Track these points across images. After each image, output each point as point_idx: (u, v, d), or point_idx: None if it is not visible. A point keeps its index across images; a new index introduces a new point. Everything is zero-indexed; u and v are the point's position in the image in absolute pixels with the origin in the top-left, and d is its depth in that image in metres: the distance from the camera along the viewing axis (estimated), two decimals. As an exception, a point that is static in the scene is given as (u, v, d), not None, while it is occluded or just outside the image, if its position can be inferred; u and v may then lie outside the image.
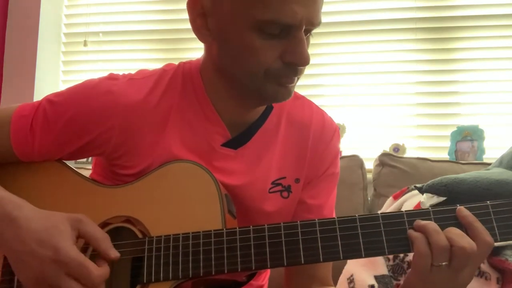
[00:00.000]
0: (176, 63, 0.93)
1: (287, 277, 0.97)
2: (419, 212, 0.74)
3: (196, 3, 0.81)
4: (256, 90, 0.81)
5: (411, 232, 0.73)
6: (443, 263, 0.70)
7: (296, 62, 0.77)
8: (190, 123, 0.88)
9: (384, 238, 0.73)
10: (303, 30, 0.76)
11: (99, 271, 0.73)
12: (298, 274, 0.95)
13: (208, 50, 0.87)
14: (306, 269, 0.93)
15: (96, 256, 0.77)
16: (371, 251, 0.73)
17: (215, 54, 0.83)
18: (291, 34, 0.76)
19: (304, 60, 0.77)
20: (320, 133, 0.95)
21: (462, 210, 0.73)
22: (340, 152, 1.87)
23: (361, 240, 0.73)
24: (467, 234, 0.71)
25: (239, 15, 0.76)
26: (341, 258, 0.74)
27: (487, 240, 0.71)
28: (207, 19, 0.81)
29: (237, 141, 0.90)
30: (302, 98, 0.98)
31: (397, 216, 0.75)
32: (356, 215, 0.75)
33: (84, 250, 0.79)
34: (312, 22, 0.77)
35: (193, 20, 0.82)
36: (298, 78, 0.83)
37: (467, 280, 0.73)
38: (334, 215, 0.96)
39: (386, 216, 0.75)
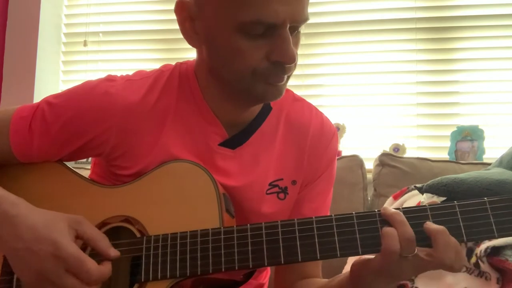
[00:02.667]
0: (174, 63, 0.93)
1: (277, 273, 0.99)
2: (416, 209, 0.74)
3: (183, 7, 0.81)
4: (246, 91, 0.81)
5: (383, 228, 0.72)
6: (410, 255, 0.70)
7: (282, 60, 0.77)
8: (187, 123, 0.88)
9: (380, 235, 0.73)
10: (287, 28, 0.76)
11: (97, 268, 0.73)
12: (286, 270, 0.96)
13: (199, 53, 0.87)
14: (294, 266, 0.93)
15: (95, 255, 0.77)
16: (368, 248, 0.73)
17: (205, 56, 0.84)
18: (275, 33, 0.76)
19: (289, 58, 0.77)
20: (318, 135, 0.95)
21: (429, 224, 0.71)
22: (340, 152, 1.87)
23: (358, 237, 0.73)
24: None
25: (223, 18, 0.76)
26: (338, 255, 0.73)
27: (455, 267, 0.70)
28: (195, 23, 0.81)
29: (234, 141, 0.90)
30: (302, 100, 0.98)
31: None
32: (353, 212, 0.75)
33: (82, 250, 0.78)
34: (296, 20, 0.76)
35: (181, 24, 0.83)
36: (288, 77, 0.82)
37: (426, 269, 0.73)
38: None
39: (381, 214, 0.74)
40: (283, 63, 0.78)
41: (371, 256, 0.74)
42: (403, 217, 0.72)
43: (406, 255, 0.70)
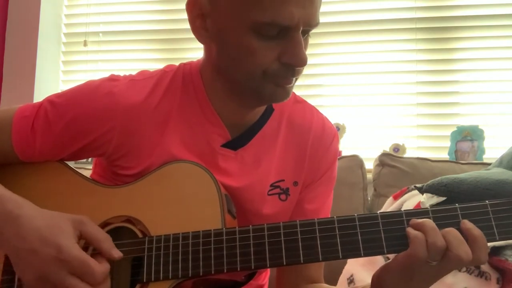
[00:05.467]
0: (176, 63, 0.93)
1: (279, 275, 0.98)
2: (418, 212, 0.74)
3: (195, 4, 0.81)
4: (254, 91, 0.82)
5: (410, 230, 0.72)
6: (434, 262, 0.70)
7: (293, 63, 0.78)
8: (190, 124, 0.88)
9: (383, 237, 0.73)
10: (300, 31, 0.77)
11: (102, 268, 0.73)
12: (289, 272, 0.96)
13: (207, 51, 0.87)
14: (297, 268, 0.94)
15: (96, 255, 0.77)
16: (370, 250, 0.73)
17: (214, 55, 0.84)
18: (288, 35, 0.76)
19: (301, 61, 0.77)
20: (319, 137, 0.95)
21: (466, 223, 0.71)
22: (340, 152, 1.87)
23: (360, 239, 0.73)
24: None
25: (237, 17, 0.76)
26: (340, 257, 0.73)
27: (482, 260, 0.70)
28: (206, 20, 0.81)
29: (236, 142, 0.90)
30: (303, 102, 0.98)
31: (396, 215, 0.75)
32: (355, 214, 0.75)
33: (84, 250, 0.79)
34: (309, 23, 0.77)
35: (192, 21, 0.83)
36: (296, 79, 0.83)
37: (447, 273, 0.73)
38: None
39: (385, 215, 0.75)
40: (294, 65, 0.78)
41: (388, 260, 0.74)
42: (433, 224, 0.71)
43: (431, 262, 0.70)
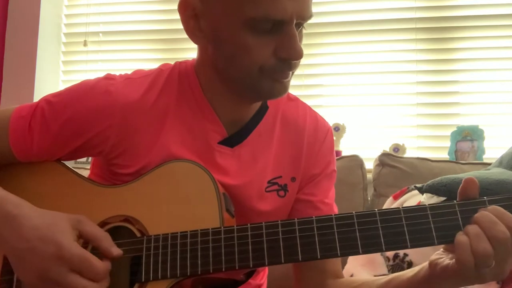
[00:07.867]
0: (173, 63, 0.93)
1: (297, 273, 0.96)
2: (416, 208, 0.74)
3: (187, 5, 0.81)
4: (252, 87, 0.82)
5: (457, 235, 0.69)
6: (485, 270, 0.68)
7: (289, 57, 0.78)
8: (187, 122, 0.88)
9: (381, 233, 0.73)
10: (294, 25, 0.77)
11: (103, 264, 0.74)
12: (308, 269, 0.93)
13: (202, 50, 0.87)
14: (316, 264, 0.92)
15: (95, 254, 0.77)
16: (368, 248, 0.73)
17: (210, 54, 0.84)
18: (282, 29, 0.77)
19: (297, 54, 0.78)
20: (314, 133, 0.96)
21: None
22: (340, 152, 1.87)
23: (358, 236, 0.73)
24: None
25: (231, 14, 0.76)
26: (339, 254, 0.73)
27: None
28: (200, 21, 0.82)
29: (233, 140, 0.90)
30: (296, 99, 0.99)
31: (394, 212, 0.74)
32: (353, 212, 0.75)
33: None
34: (302, 16, 0.78)
35: (185, 23, 0.83)
36: (292, 73, 0.83)
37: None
38: (336, 209, 0.97)
39: (383, 212, 0.74)
40: (291, 59, 0.79)
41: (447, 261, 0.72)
42: (492, 217, 0.68)
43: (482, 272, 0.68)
